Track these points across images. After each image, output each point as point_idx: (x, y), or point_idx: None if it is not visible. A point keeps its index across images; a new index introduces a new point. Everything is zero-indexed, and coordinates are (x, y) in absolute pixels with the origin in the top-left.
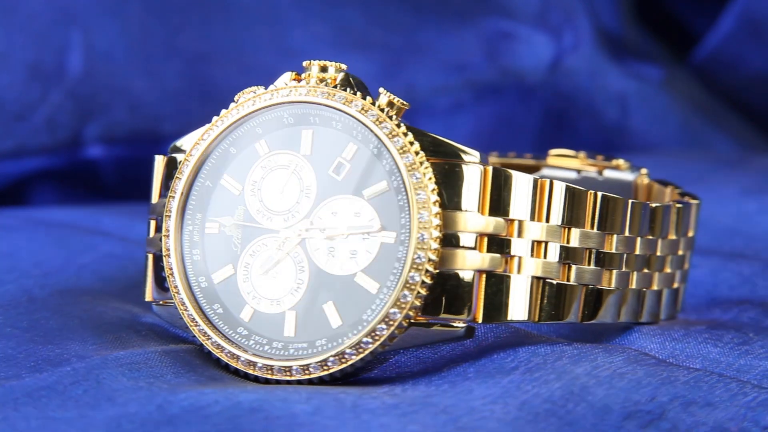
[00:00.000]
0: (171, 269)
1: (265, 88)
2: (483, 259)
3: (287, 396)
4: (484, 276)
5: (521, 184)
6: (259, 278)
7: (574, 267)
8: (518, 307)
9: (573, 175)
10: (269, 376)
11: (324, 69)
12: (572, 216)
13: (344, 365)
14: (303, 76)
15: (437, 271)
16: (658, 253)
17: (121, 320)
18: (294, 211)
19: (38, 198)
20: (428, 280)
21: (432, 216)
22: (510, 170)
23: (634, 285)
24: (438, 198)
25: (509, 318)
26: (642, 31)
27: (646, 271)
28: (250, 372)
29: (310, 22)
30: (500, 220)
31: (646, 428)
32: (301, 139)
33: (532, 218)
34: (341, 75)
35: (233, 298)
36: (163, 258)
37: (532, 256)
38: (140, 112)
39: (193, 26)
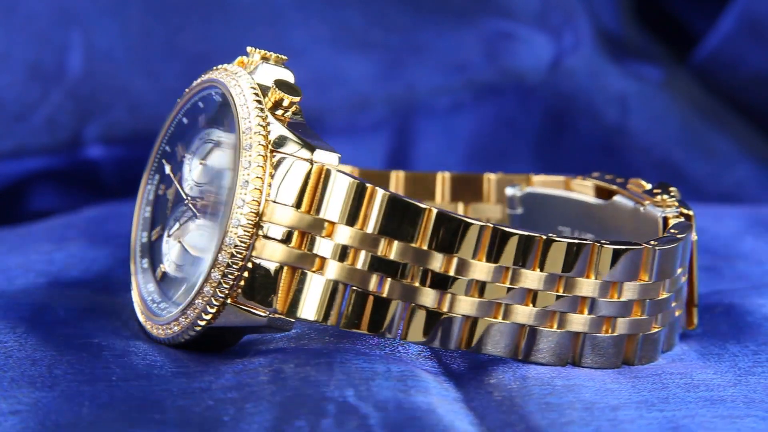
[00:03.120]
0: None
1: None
2: (289, 253)
3: None
4: (288, 270)
5: (340, 186)
6: (171, 241)
7: (386, 280)
8: (311, 306)
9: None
10: (152, 333)
11: (266, 58)
12: (395, 228)
13: (183, 331)
14: (246, 60)
15: (245, 255)
16: (532, 286)
17: None
18: (200, 183)
19: (38, 198)
20: (234, 263)
21: (247, 203)
22: (339, 172)
23: (477, 313)
24: (259, 187)
25: (301, 315)
26: (642, 31)
27: (508, 303)
28: (144, 325)
29: (310, 22)
30: (313, 218)
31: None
32: (223, 117)
33: (346, 222)
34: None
35: (157, 256)
36: None
37: (337, 259)
38: (140, 112)
39: (193, 26)
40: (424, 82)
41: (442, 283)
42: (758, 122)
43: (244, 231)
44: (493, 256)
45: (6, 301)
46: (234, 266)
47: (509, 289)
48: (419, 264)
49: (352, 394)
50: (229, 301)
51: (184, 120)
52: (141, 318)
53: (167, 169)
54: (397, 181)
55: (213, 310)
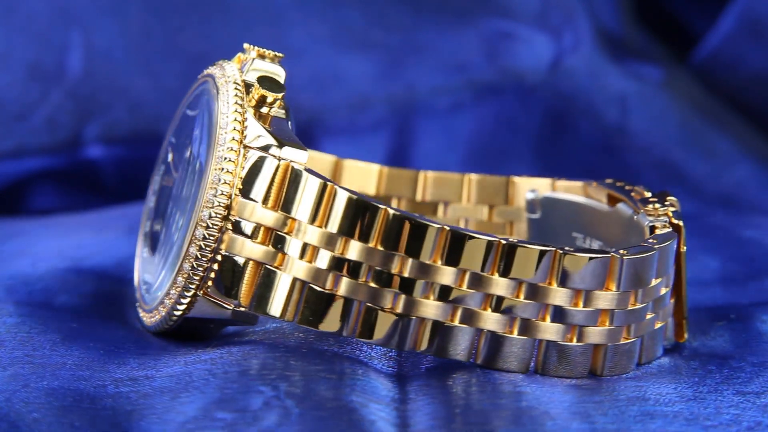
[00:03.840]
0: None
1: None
2: (257, 250)
3: None
4: (255, 266)
5: (310, 186)
6: (164, 231)
7: (344, 279)
8: (277, 303)
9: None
10: (143, 321)
11: (262, 56)
12: (354, 228)
13: (162, 320)
14: (242, 57)
15: (213, 248)
16: (493, 291)
17: None
18: None
19: (38, 198)
20: (203, 256)
21: (217, 197)
22: (305, 170)
23: (434, 315)
24: (229, 182)
25: (269, 312)
26: (642, 31)
27: (467, 307)
28: (138, 313)
29: (310, 22)
30: (282, 216)
31: None
32: (210, 111)
33: (312, 221)
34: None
35: (154, 245)
36: None
37: (299, 257)
38: (140, 112)
39: (193, 26)
40: (424, 82)
41: (399, 284)
42: (758, 122)
43: (213, 224)
44: (452, 259)
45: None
46: (203, 258)
47: (468, 292)
48: (376, 265)
49: (284, 388)
50: (200, 293)
51: (188, 112)
52: (137, 306)
53: (169, 158)
54: (425, 181)
55: (186, 302)
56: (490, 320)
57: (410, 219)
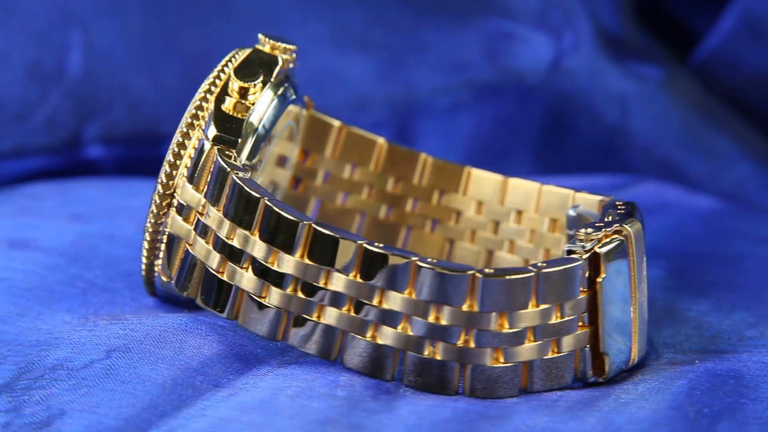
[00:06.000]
0: None
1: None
2: (179, 226)
3: None
4: (179, 242)
5: (217, 170)
6: None
7: (229, 264)
8: (180, 278)
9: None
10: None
11: (273, 48)
12: (241, 216)
13: (146, 289)
14: (259, 47)
15: (161, 223)
16: (344, 291)
17: None
18: None
19: None
20: (153, 231)
21: (165, 175)
22: (218, 155)
23: (302, 312)
24: (176, 163)
25: (174, 285)
26: (642, 31)
27: (343, 310)
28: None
29: (310, 22)
30: (196, 196)
31: None
32: None
33: (213, 204)
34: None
35: None
36: None
37: (202, 237)
38: (140, 112)
39: (193, 26)
40: (424, 82)
41: (262, 272)
42: (758, 122)
43: (158, 201)
44: (310, 254)
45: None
46: (153, 233)
47: (323, 290)
48: (249, 250)
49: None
50: (156, 268)
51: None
52: None
53: None
54: (424, 165)
55: (145, 275)
56: (341, 320)
57: (275, 212)
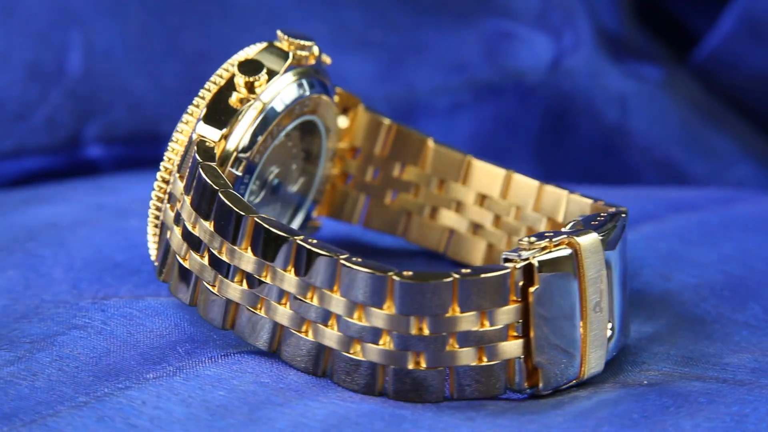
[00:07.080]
0: None
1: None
2: (168, 215)
3: None
4: (167, 231)
5: (192, 159)
6: None
7: (190, 253)
8: (159, 267)
9: None
10: None
11: (290, 44)
12: (200, 205)
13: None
14: (276, 43)
15: (159, 215)
16: (286, 288)
17: None
18: None
19: None
20: (155, 221)
21: (164, 167)
22: (199, 145)
23: (242, 302)
24: (172, 157)
25: (156, 273)
26: (642, 31)
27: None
28: None
29: (310, 22)
30: (180, 186)
31: None
32: None
33: (187, 194)
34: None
35: None
36: None
37: (175, 224)
38: (140, 112)
39: (193, 26)
40: (424, 82)
41: (216, 263)
42: (758, 122)
43: (158, 191)
44: (254, 247)
45: None
46: (156, 222)
47: (266, 284)
48: (208, 243)
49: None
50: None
51: None
52: None
53: None
54: (425, 153)
55: (157, 263)
56: (282, 315)
57: (226, 205)
